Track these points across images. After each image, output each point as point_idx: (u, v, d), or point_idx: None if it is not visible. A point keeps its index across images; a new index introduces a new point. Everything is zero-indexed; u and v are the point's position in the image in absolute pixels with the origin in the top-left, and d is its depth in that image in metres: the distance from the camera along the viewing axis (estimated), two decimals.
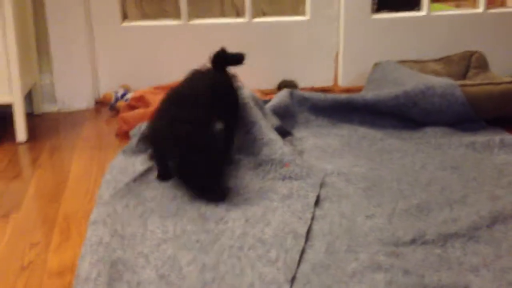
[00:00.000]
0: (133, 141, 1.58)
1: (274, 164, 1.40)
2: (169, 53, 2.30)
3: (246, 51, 1.55)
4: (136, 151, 1.54)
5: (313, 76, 2.53)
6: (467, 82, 1.94)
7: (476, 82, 1.90)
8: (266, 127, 1.52)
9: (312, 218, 1.19)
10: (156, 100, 1.94)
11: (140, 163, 1.46)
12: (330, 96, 1.94)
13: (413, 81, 1.90)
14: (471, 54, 2.40)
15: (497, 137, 1.68)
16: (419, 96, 1.82)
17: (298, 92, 1.96)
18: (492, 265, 1.01)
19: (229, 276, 0.96)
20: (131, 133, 1.68)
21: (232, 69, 1.55)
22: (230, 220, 1.17)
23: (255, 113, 1.56)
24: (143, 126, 1.61)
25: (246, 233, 1.11)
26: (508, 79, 1.92)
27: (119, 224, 1.14)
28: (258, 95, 2.13)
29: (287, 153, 1.43)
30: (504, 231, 1.13)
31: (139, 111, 1.83)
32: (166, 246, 1.05)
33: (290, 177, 1.36)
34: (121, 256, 1.02)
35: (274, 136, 1.50)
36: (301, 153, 1.57)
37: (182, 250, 1.04)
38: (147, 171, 1.40)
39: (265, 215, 1.19)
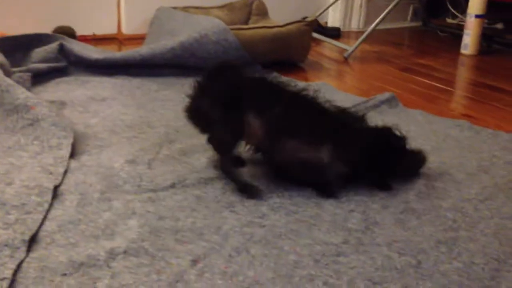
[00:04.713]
0: None
1: (20, 110, 1.24)
2: None
3: None
4: None
5: (94, 23, 2.35)
6: (242, 26, 1.94)
7: (250, 26, 1.92)
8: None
9: (66, 172, 1.08)
10: None
11: None
12: (103, 55, 1.80)
13: (188, 30, 1.85)
14: (252, 1, 2.43)
15: None
16: (195, 46, 1.78)
17: (68, 47, 1.78)
18: (247, 200, 1.01)
19: None
20: None
21: None
22: None
23: None
24: None
25: None
26: (281, 23, 1.98)
27: None
28: None
29: (31, 96, 1.28)
30: (265, 167, 1.13)
31: None
32: None
33: (38, 119, 1.21)
34: None
35: (12, 81, 1.34)
36: (62, 104, 1.44)
37: None
38: None
39: (9, 174, 1.04)
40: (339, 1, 2.72)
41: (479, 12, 2.35)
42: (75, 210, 0.94)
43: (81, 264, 0.79)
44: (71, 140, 1.18)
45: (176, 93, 1.62)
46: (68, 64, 1.77)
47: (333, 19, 2.84)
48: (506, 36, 2.51)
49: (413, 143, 1.10)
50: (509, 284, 0.79)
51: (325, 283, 0.78)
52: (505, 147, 1.32)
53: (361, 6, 2.81)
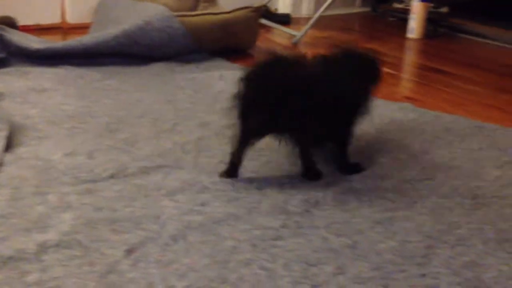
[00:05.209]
0: None
1: None
2: None
3: None
4: None
5: (37, 12, 2.27)
6: (188, 13, 1.92)
7: (196, 13, 1.90)
8: None
9: (0, 165, 1.04)
10: None
11: None
12: (45, 45, 1.74)
13: (133, 18, 1.81)
14: None
15: (216, 71, 1.69)
16: (138, 33, 1.75)
17: (7, 38, 1.72)
18: (189, 188, 1.00)
19: None
20: None
21: None
22: None
23: None
24: None
25: None
26: (227, 10, 1.96)
27: None
28: None
29: None
30: (210, 156, 1.13)
31: None
32: None
33: None
34: None
35: None
36: (0, 95, 1.39)
37: None
38: None
39: None
40: None
41: None
42: (7, 204, 0.91)
43: (10, 258, 0.76)
44: (6, 133, 1.14)
45: (120, 82, 1.59)
46: (8, 55, 1.71)
47: (283, 5, 2.83)
48: (450, 20, 2.56)
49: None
50: (440, 260, 0.81)
51: (261, 267, 0.78)
52: (447, 128, 1.35)
53: None
